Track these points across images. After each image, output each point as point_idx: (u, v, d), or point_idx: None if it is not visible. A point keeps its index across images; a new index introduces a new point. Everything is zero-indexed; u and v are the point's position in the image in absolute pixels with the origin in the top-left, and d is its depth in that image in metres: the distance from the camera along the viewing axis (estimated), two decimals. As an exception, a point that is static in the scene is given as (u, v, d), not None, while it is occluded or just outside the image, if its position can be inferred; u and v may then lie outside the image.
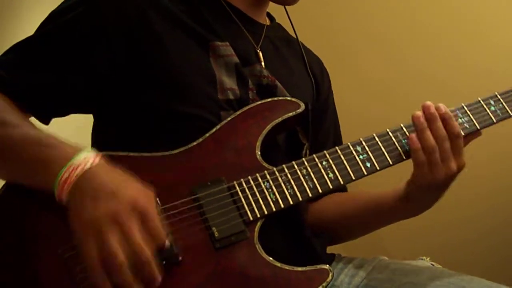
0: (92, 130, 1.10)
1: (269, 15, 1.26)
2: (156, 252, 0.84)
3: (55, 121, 1.04)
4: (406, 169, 1.04)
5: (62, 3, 1.05)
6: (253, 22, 1.16)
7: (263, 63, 1.12)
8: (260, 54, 1.13)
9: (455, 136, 1.01)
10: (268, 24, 1.22)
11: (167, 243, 0.85)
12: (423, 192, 1.04)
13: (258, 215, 0.94)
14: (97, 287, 0.81)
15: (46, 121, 1.02)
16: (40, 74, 0.98)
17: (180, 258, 0.89)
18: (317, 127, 1.17)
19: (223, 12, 1.12)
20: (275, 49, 1.19)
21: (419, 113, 1.03)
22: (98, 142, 1.08)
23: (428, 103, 1.03)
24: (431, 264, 1.19)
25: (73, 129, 1.28)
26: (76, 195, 0.84)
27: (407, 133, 1.04)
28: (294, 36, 1.27)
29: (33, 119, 1.00)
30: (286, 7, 1.24)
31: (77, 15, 1.00)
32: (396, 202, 1.10)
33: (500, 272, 1.80)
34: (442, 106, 1.03)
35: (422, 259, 1.22)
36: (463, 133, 1.05)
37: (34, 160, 0.88)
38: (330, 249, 1.21)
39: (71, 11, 1.00)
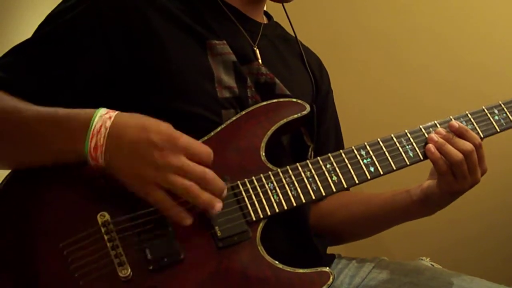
0: None
1: (266, 14, 1.26)
2: (159, 247, 0.88)
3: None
4: (409, 172, 1.04)
5: (60, 4, 1.05)
6: (250, 20, 1.16)
7: (260, 61, 1.12)
8: (258, 52, 1.13)
9: (478, 146, 1.03)
10: (265, 22, 1.22)
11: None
12: (446, 198, 1.07)
13: (261, 216, 0.94)
14: (181, 220, 0.87)
15: None
16: (40, 75, 0.98)
17: (182, 256, 0.89)
18: (317, 126, 1.18)
19: (220, 10, 1.12)
20: (273, 47, 1.19)
21: (433, 135, 1.04)
22: None
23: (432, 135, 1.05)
24: (431, 264, 1.19)
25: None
26: (112, 155, 0.86)
27: (411, 139, 1.04)
28: (292, 34, 1.27)
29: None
30: (285, 5, 1.24)
31: (76, 15, 0.99)
32: (412, 204, 1.11)
33: (500, 272, 1.80)
34: (454, 123, 1.05)
35: (422, 259, 1.23)
36: None
37: (55, 136, 0.89)
38: (330, 249, 1.21)
39: (70, 12, 1.00)
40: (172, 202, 0.86)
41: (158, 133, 0.86)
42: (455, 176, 1.03)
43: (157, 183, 0.85)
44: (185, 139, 0.87)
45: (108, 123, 0.87)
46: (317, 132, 1.18)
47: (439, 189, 1.06)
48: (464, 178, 1.02)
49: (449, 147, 1.02)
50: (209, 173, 0.87)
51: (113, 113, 0.88)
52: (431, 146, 1.03)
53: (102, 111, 0.89)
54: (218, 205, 0.87)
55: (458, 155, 1.02)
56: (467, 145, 1.03)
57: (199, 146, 0.88)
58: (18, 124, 0.92)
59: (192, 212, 0.89)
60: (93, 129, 0.86)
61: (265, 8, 1.24)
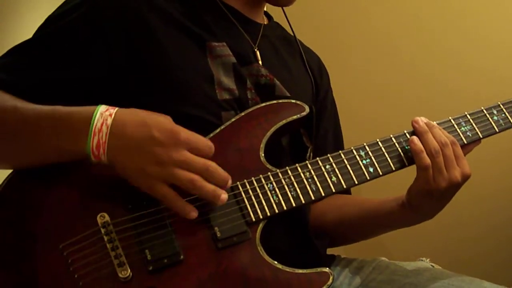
0: None
1: (266, 14, 1.26)
2: (159, 248, 0.89)
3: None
4: (410, 173, 1.04)
5: (59, 7, 1.05)
6: (250, 21, 1.16)
7: (260, 62, 1.12)
8: (258, 53, 1.13)
9: (453, 143, 1.02)
10: (265, 23, 1.22)
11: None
12: (424, 199, 1.04)
13: (261, 217, 0.94)
14: (186, 214, 0.88)
15: None
16: (40, 76, 0.98)
17: (182, 257, 0.89)
18: (316, 126, 1.18)
19: (219, 12, 1.12)
20: (273, 48, 1.19)
21: (418, 118, 1.04)
22: None
23: (417, 118, 1.05)
24: (431, 265, 1.19)
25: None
26: (115, 153, 0.87)
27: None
28: (292, 34, 1.27)
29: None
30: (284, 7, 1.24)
31: (76, 17, 1.00)
32: (396, 209, 1.10)
33: (500, 273, 1.80)
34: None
35: (422, 260, 1.22)
36: (465, 141, 1.06)
37: (56, 134, 0.90)
38: (330, 250, 1.22)
39: (70, 14, 1.00)
40: (177, 196, 0.87)
41: (159, 129, 0.87)
42: (433, 170, 1.00)
43: (161, 178, 0.86)
44: (185, 133, 0.88)
45: (109, 121, 0.87)
46: (316, 132, 1.18)
47: (417, 188, 1.03)
48: (440, 172, 1.00)
49: (430, 136, 1.02)
50: (212, 165, 0.88)
51: (113, 110, 0.89)
52: (414, 137, 1.02)
53: (102, 108, 0.89)
54: (223, 196, 0.89)
55: (435, 143, 1.01)
56: (443, 138, 1.02)
57: (200, 140, 0.89)
58: (18, 124, 0.92)
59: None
60: (95, 128, 0.87)
61: (265, 9, 1.24)
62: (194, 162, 0.87)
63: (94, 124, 0.87)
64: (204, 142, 0.89)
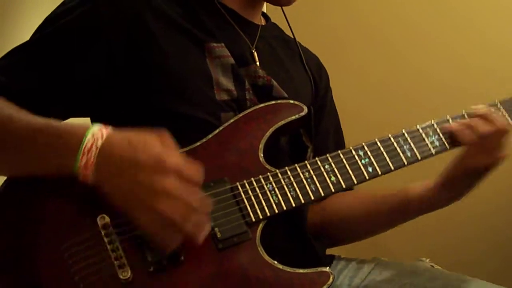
0: None
1: (264, 15, 1.27)
2: (157, 253, 0.87)
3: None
4: (411, 172, 1.04)
5: (58, 7, 1.05)
6: (248, 22, 1.17)
7: (258, 63, 1.12)
8: (255, 54, 1.13)
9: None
10: (263, 24, 1.22)
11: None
12: (465, 177, 1.07)
13: (261, 217, 0.94)
14: (168, 244, 0.85)
15: None
16: (39, 78, 0.98)
17: (182, 258, 0.89)
18: (316, 126, 1.18)
19: (218, 13, 1.13)
20: (271, 49, 1.19)
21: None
22: None
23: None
24: (431, 265, 1.19)
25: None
26: (102, 174, 0.85)
27: (408, 139, 1.05)
28: (291, 35, 1.27)
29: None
30: (283, 7, 1.24)
31: (75, 18, 1.00)
32: (427, 193, 1.11)
33: (500, 273, 1.80)
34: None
35: (421, 260, 1.23)
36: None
37: (47, 150, 0.89)
38: (329, 250, 1.22)
39: (69, 14, 1.00)
40: (159, 225, 0.84)
41: (146, 153, 0.83)
42: (482, 147, 1.05)
43: (143, 205, 0.83)
44: (173, 160, 0.84)
45: (99, 142, 0.85)
46: (316, 132, 1.18)
47: (463, 162, 1.07)
48: (490, 151, 1.06)
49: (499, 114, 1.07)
50: (194, 202, 0.84)
51: (105, 131, 0.87)
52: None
53: (95, 128, 0.87)
54: (200, 238, 0.85)
55: (506, 123, 1.07)
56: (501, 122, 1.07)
57: (188, 168, 0.85)
58: (10, 135, 0.91)
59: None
60: (84, 148, 0.85)
61: (264, 10, 1.24)
62: (176, 197, 0.82)
63: (84, 144, 0.85)
64: (192, 170, 0.85)
